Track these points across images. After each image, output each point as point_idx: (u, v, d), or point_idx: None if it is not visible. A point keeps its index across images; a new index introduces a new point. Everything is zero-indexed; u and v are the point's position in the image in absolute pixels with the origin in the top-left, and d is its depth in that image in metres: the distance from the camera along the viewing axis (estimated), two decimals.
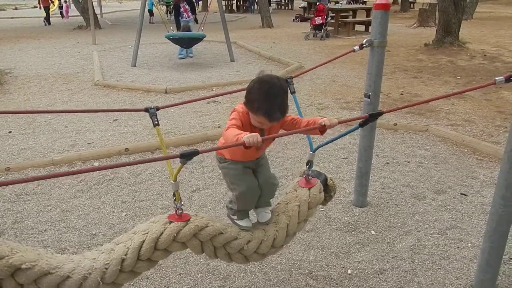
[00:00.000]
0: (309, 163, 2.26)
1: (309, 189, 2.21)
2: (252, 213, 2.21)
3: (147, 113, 2.35)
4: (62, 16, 22.43)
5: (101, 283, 1.69)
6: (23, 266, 1.53)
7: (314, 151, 2.27)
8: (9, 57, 10.70)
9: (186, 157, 1.62)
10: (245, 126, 1.95)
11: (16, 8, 29.72)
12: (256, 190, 2.07)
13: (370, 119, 2.06)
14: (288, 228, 2.13)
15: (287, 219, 2.13)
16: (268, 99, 1.84)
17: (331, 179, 2.36)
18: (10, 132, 5.48)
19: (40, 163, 4.43)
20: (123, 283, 1.82)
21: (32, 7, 30.97)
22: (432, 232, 3.23)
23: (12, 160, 4.61)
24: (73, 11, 22.21)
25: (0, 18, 20.87)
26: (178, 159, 1.64)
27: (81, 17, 17.60)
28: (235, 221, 2.08)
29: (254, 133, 1.69)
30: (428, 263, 2.88)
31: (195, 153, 1.62)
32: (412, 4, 24.58)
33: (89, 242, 3.15)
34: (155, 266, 2.77)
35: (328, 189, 2.35)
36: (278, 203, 2.24)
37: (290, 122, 2.08)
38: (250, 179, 2.06)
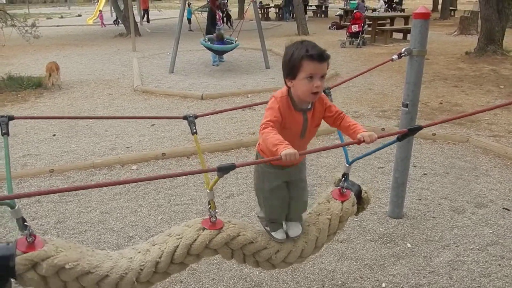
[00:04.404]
0: (345, 176, 2.20)
1: (342, 202, 2.17)
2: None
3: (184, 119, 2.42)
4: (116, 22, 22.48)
5: (135, 282, 1.78)
6: (67, 266, 1.62)
7: (350, 164, 2.21)
8: None
9: (223, 170, 1.68)
10: (285, 114, 1.83)
11: (61, 17, 31.11)
12: (284, 205, 2.04)
13: (408, 134, 2.01)
14: (317, 241, 2.13)
15: (317, 232, 2.12)
16: (305, 46, 1.77)
17: (365, 192, 2.29)
18: (54, 135, 5.73)
19: (81, 166, 4.62)
20: (156, 282, 1.92)
21: (76, 16, 32.35)
22: (471, 247, 3.12)
23: (55, 162, 4.82)
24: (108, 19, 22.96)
25: (47, 26, 21.89)
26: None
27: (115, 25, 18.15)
28: (270, 233, 2.07)
29: (293, 151, 1.64)
30: (467, 280, 2.78)
31: (232, 167, 1.67)
32: (452, 12, 23.88)
33: (126, 244, 3.24)
34: (189, 271, 2.86)
35: (361, 201, 2.31)
36: (310, 213, 2.22)
37: (331, 114, 1.95)
38: (281, 193, 2.01)
